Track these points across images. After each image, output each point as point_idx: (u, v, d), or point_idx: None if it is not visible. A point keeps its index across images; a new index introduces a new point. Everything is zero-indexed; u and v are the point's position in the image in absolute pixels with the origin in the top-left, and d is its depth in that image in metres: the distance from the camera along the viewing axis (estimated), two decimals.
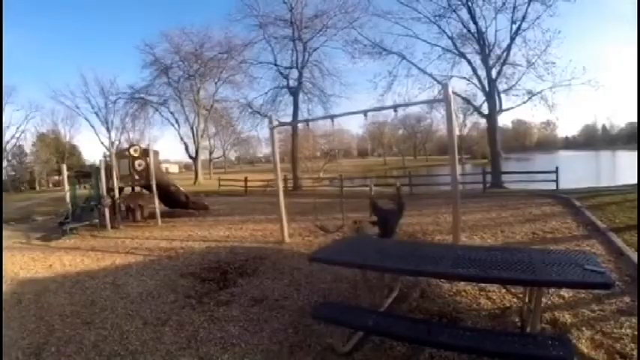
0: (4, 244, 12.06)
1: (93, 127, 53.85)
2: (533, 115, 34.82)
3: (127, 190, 15.01)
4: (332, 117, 8.74)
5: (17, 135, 57.06)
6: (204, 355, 4.00)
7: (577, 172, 32.68)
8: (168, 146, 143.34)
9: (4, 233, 14.52)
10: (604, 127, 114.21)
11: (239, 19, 30.61)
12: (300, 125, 27.64)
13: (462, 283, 4.97)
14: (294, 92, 28.98)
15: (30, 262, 9.22)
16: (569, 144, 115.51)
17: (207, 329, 4.57)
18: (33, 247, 11.21)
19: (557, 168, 16.79)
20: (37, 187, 63.43)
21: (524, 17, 21.67)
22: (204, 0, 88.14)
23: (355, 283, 5.33)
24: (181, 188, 16.20)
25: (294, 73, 29.52)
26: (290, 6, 28.33)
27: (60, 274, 7.90)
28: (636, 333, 3.65)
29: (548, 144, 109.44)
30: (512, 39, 22.19)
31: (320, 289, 5.51)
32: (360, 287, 4.63)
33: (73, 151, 65.19)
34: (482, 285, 4.90)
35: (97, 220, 13.38)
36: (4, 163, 58.13)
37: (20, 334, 5.01)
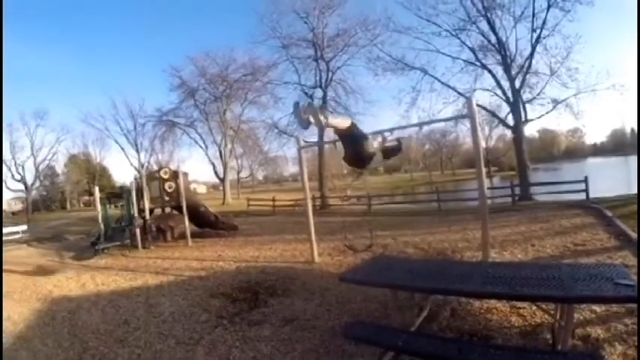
0: (38, 261, 12.40)
1: (122, 149, 55.05)
2: (559, 123, 34.51)
3: (158, 211, 15.27)
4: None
5: (49, 156, 58.63)
6: None
7: (607, 179, 31.96)
8: (196, 167, 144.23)
9: (36, 251, 14.91)
10: (632, 130, 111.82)
11: (262, 41, 31.26)
12: (326, 144, 27.76)
13: (493, 300, 4.93)
14: None
15: (63, 281, 9.52)
16: (598, 150, 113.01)
17: (240, 349, 4.63)
18: (66, 266, 11.55)
19: (586, 177, 16.40)
20: (68, 207, 65.57)
21: (543, 24, 21.82)
22: (228, 23, 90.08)
23: (385, 303, 5.33)
24: (210, 209, 16.39)
25: (319, 92, 29.78)
26: (312, 26, 28.86)
27: (93, 293, 8.11)
28: None
29: (577, 152, 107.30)
30: (534, 47, 22.22)
31: (350, 309, 5.52)
32: (390, 307, 4.65)
33: (103, 173, 66.97)
34: (513, 302, 4.83)
35: (128, 241, 13.64)
36: (37, 184, 59.44)
37: (55, 350, 5.20)
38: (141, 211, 13.97)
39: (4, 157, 52.43)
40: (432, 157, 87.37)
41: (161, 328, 5.65)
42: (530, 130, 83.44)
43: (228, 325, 5.44)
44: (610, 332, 4.01)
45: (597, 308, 4.49)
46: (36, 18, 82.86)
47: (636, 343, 3.73)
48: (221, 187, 49.57)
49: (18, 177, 54.54)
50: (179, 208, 14.40)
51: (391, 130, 8.22)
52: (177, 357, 4.62)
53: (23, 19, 78.73)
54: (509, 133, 31.00)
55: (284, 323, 5.26)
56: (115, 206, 16.90)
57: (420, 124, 8.11)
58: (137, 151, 53.90)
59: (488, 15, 22.80)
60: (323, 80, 29.33)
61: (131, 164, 54.30)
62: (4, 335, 6.02)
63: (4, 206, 66.98)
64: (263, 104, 40.25)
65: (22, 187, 55.51)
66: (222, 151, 46.02)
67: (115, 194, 17.41)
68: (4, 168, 52.75)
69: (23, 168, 55.35)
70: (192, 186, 30.88)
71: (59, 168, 67.62)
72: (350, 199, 25.79)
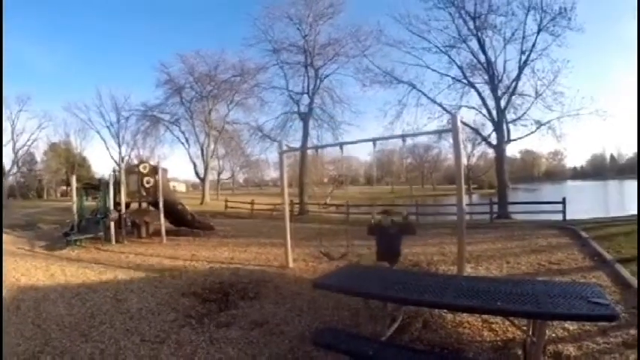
0: (8, 248, 12.14)
1: (104, 140, 54.49)
2: (541, 145, 34.91)
3: (134, 205, 15.06)
4: (341, 144, 8.80)
5: (29, 142, 57.52)
6: None
7: (585, 202, 32.50)
8: (177, 165, 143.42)
9: (9, 238, 14.61)
10: (612, 156, 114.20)
11: (253, 44, 31.24)
12: (309, 151, 27.79)
13: (465, 314, 4.91)
14: (304, 118, 29.35)
15: (32, 270, 9.29)
16: (578, 174, 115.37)
17: (206, 350, 4.54)
18: (36, 255, 11.31)
19: (564, 199, 16.75)
20: (45, 196, 64.30)
21: (532, 47, 21.97)
22: (220, 24, 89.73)
23: (357, 311, 5.28)
24: (188, 208, 16.22)
25: (305, 99, 29.97)
26: (304, 33, 28.96)
27: (61, 284, 7.93)
28: None
29: (557, 174, 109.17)
30: (521, 69, 22.38)
31: (321, 316, 5.46)
32: (362, 315, 4.60)
33: (82, 163, 65.79)
34: (486, 316, 4.82)
35: (102, 234, 13.40)
36: (14, 169, 58.42)
37: (17, 340, 5.05)
38: (117, 204, 13.78)
39: None
40: (414, 171, 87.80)
41: (127, 324, 5.52)
42: (512, 150, 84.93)
43: (196, 325, 5.34)
44: (582, 350, 4.02)
45: (570, 326, 4.51)
46: (24, 4, 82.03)
47: None
48: (200, 187, 49.16)
49: None
50: (156, 205, 14.20)
51: (375, 140, 8.26)
52: (141, 355, 4.50)
53: (11, 3, 77.88)
54: (491, 152, 31.32)
55: (253, 326, 5.18)
56: (93, 198, 16.62)
57: (404, 136, 8.05)
58: (119, 144, 53.43)
59: (479, 34, 22.99)
60: (311, 87, 29.46)
61: (112, 157, 53.82)
62: None
63: None
64: (249, 107, 40.26)
65: None
66: (205, 151, 45.64)
67: (93, 186, 17.08)
68: None
69: (1, 152, 54.07)
70: (172, 184, 30.68)
71: (39, 155, 66.27)
72: (329, 207, 25.76)
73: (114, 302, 6.57)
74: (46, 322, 5.67)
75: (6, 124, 54.05)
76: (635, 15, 20.24)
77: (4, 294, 7.22)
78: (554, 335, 4.36)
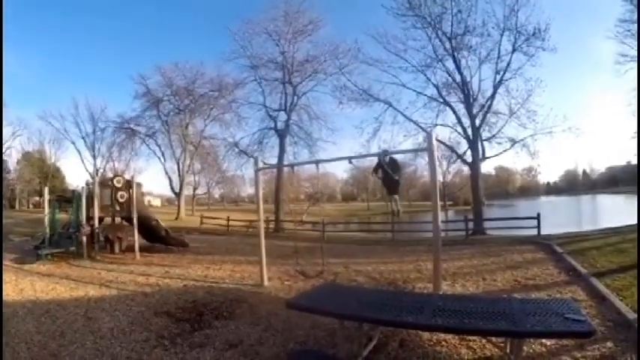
0: None
1: (79, 152, 54.03)
2: (515, 162, 35.38)
3: (108, 220, 14.84)
4: (317, 162, 8.79)
5: (2, 150, 56.03)
6: None
7: (559, 217, 33.03)
8: (153, 179, 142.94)
9: None
10: (584, 172, 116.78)
11: (232, 59, 31.45)
12: (285, 168, 27.76)
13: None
14: (281, 134, 29.43)
15: None
16: (551, 189, 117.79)
17: None
18: (5, 269, 10.95)
19: (538, 214, 17.08)
20: (17, 207, 62.69)
21: (507, 67, 22.77)
22: (199, 37, 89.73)
23: (333, 331, 5.21)
24: (162, 223, 16.01)
25: (283, 116, 30.20)
26: (282, 49, 29.16)
27: (30, 300, 7.73)
28: None
29: (531, 190, 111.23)
30: (496, 88, 23.07)
31: (297, 336, 5.36)
32: (338, 335, 4.54)
33: (56, 174, 64.91)
34: (463, 335, 4.83)
35: (73, 248, 13.15)
36: None
37: None
38: (90, 218, 13.54)
39: None
40: None
41: (98, 344, 5.36)
42: (487, 167, 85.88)
43: (168, 345, 5.21)
44: None
45: (547, 342, 4.50)
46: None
47: None
48: (176, 202, 48.82)
49: None
50: (130, 220, 14.00)
51: (351, 158, 8.34)
52: None
53: None
54: (466, 169, 31.80)
55: (227, 347, 5.07)
56: (65, 211, 16.34)
57: (380, 155, 8.15)
58: (94, 156, 52.87)
59: (455, 54, 23.48)
60: (288, 104, 29.67)
61: (86, 169, 53.09)
62: None
63: None
64: (226, 122, 40.16)
65: None
66: (181, 166, 45.50)
67: (66, 198, 16.81)
68: None
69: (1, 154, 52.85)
70: (147, 198, 30.31)
71: (11, 164, 64.65)
72: (305, 225, 25.71)
73: (85, 320, 6.39)
74: (14, 340, 5.48)
75: None
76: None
77: None
78: (531, 351, 4.34)
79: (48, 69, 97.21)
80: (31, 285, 9.02)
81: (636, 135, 23.86)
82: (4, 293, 6.37)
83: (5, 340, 5.39)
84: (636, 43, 22.24)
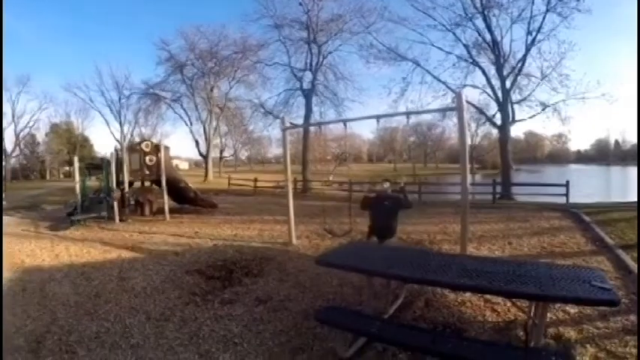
0: (13, 230, 12.20)
1: (106, 120, 54.46)
2: (545, 127, 34.43)
3: (137, 184, 15.08)
4: (344, 121, 8.62)
5: (30, 124, 57.50)
6: (204, 353, 4.01)
7: (588, 186, 32.40)
8: (180, 143, 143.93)
9: (13, 220, 14.69)
10: (617, 142, 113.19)
11: (255, 20, 30.87)
12: (311, 128, 27.66)
13: (468, 294, 4.93)
14: (307, 95, 29.07)
15: (37, 251, 9.28)
16: (581, 157, 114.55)
17: (210, 327, 4.58)
18: (40, 236, 11.30)
19: (567, 182, 16.59)
20: (48, 177, 64.48)
21: (539, 28, 21.62)
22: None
23: (360, 289, 5.30)
24: (191, 185, 16.24)
25: (308, 76, 29.66)
26: (306, 9, 28.51)
27: (66, 264, 7.95)
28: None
29: (560, 157, 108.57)
30: (528, 50, 22.10)
31: (325, 293, 5.50)
32: (365, 293, 4.61)
33: (84, 143, 65.85)
34: (488, 297, 4.85)
35: (105, 213, 13.40)
36: (16, 151, 58.39)
37: (23, 320, 5.07)
38: (120, 183, 13.78)
39: None
40: (417, 150, 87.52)
41: (132, 302, 5.57)
42: (516, 132, 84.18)
43: (200, 302, 5.38)
44: (582, 334, 4.02)
45: (571, 310, 4.51)
46: None
47: (607, 347, 3.74)
48: (203, 165, 49.18)
49: None
50: (159, 183, 14.22)
51: (379, 117, 8.18)
52: (147, 332, 4.54)
53: None
54: (495, 133, 31.18)
55: (257, 303, 5.22)
56: (97, 177, 16.65)
57: (408, 114, 7.97)
58: (120, 123, 53.35)
59: (486, 13, 22.65)
60: (313, 64, 29.19)
61: (113, 136, 53.81)
62: None
63: None
64: (251, 83, 39.99)
65: None
66: (207, 129, 45.69)
67: (95, 165, 17.07)
68: None
69: (2, 135, 53.95)
70: (174, 162, 30.67)
71: (40, 137, 66.21)
72: (332, 184, 25.70)
73: (118, 281, 6.60)
74: (52, 302, 5.71)
75: (6, 107, 54.09)
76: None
77: (9, 275, 7.29)
78: (555, 318, 4.37)
79: (70, 41, 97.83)
80: (65, 250, 9.25)
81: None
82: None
83: (37, 303, 5.58)
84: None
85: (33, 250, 9.41)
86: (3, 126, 45.89)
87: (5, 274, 7.34)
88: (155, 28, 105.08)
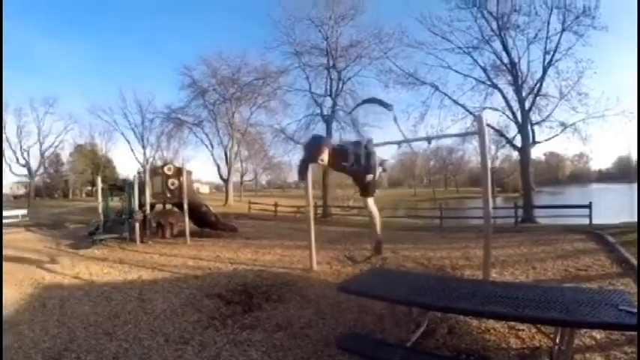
0: (35, 247, 12.39)
1: (129, 142, 55.36)
2: (566, 147, 34.09)
3: (159, 206, 15.23)
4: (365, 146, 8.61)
5: (55, 144, 58.84)
6: None
7: (611, 206, 31.84)
8: (201, 166, 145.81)
9: (35, 236, 14.92)
10: (639, 158, 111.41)
11: (275, 47, 31.30)
12: None
13: (492, 320, 4.82)
14: (327, 120, 29.38)
15: (57, 268, 9.50)
16: (603, 177, 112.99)
17: (230, 352, 4.54)
18: (62, 254, 11.53)
19: (590, 203, 16.27)
20: (71, 196, 66.08)
21: (556, 48, 21.79)
22: (242, 27, 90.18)
23: (381, 316, 5.23)
24: (212, 209, 16.34)
25: (328, 101, 29.94)
26: (325, 35, 28.92)
27: (86, 283, 8.07)
28: None
29: (582, 177, 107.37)
30: (545, 70, 22.19)
31: (345, 320, 5.42)
32: (387, 321, 4.56)
33: (107, 164, 67.52)
34: (512, 323, 4.74)
35: (126, 234, 13.56)
36: (41, 170, 59.69)
37: (41, 337, 5.14)
38: (142, 205, 13.93)
39: (10, 140, 53.19)
40: (437, 174, 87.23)
41: (152, 324, 5.57)
42: (536, 153, 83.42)
43: (219, 326, 5.36)
44: None
45: (597, 335, 4.38)
46: (52, 9, 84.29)
47: None
48: (224, 189, 49.53)
49: (23, 162, 54.37)
50: (180, 206, 14.32)
51: (400, 142, 8.15)
52: (166, 355, 4.54)
53: (38, 9, 79.99)
54: (515, 155, 31.11)
55: (277, 329, 5.17)
56: (120, 199, 16.89)
57: (429, 139, 7.95)
58: (143, 146, 54.09)
59: (502, 35, 22.78)
60: (333, 89, 29.49)
61: (136, 158, 54.64)
62: None
63: (6, 190, 68.02)
64: (272, 109, 40.29)
65: (25, 172, 55.34)
66: (228, 153, 46.07)
67: (118, 187, 17.35)
68: (9, 152, 53.45)
69: (28, 153, 55.16)
70: (196, 185, 30.94)
71: (64, 156, 68.70)
72: (352, 210, 25.66)
73: (138, 302, 6.64)
74: (71, 320, 5.76)
75: (32, 126, 55.65)
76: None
77: (30, 291, 7.41)
78: (581, 344, 4.23)
79: (95, 65, 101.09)
80: (86, 269, 9.38)
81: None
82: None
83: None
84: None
85: (53, 267, 9.62)
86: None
87: (26, 290, 7.53)
88: (177, 54, 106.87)
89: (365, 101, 6.68)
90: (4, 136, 51.03)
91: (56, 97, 57.88)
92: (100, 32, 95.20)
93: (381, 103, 7.01)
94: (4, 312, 6.24)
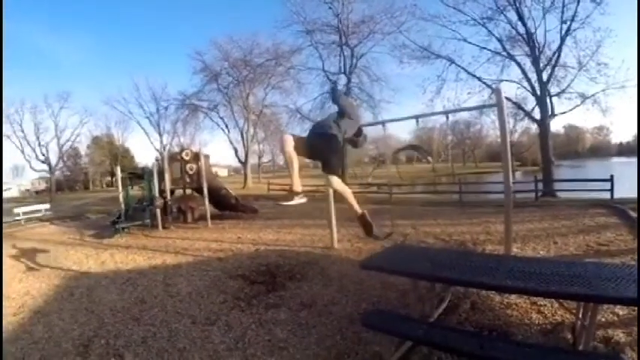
0: (59, 239, 12.62)
1: (145, 131, 55.75)
2: (586, 119, 33.27)
3: (179, 192, 15.37)
4: (383, 122, 8.51)
5: (73, 138, 59.44)
6: (250, 357, 4.07)
7: (633, 180, 31.31)
8: (218, 150, 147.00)
9: (59, 229, 15.18)
10: None
11: (286, 26, 31.39)
12: None
13: (514, 295, 4.85)
14: None
15: (83, 258, 9.68)
16: (624, 150, 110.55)
17: (255, 331, 4.64)
18: (86, 244, 11.74)
19: (611, 176, 16.08)
20: (91, 187, 67.69)
21: (573, 16, 20.96)
22: (252, 7, 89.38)
23: (404, 292, 5.28)
24: (231, 191, 16.48)
25: (343, 79, 29.71)
26: (336, 12, 28.62)
27: (111, 271, 8.24)
28: None
29: (602, 150, 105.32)
30: (563, 39, 21.46)
31: (368, 297, 5.49)
32: (410, 296, 4.59)
33: (125, 154, 68.61)
34: (535, 298, 4.75)
35: (148, 221, 13.75)
36: (60, 164, 60.75)
37: (71, 325, 5.30)
38: (162, 191, 14.08)
39: (28, 138, 54.17)
40: (455, 149, 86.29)
41: (177, 307, 5.70)
42: (555, 126, 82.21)
43: (244, 307, 5.46)
44: (632, 336, 3.88)
45: (620, 311, 4.36)
46: (58, 4, 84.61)
47: None
48: (242, 171, 49.74)
49: (42, 158, 55.07)
50: (200, 190, 14.48)
51: (418, 117, 8.06)
52: (193, 336, 4.65)
53: (43, 6, 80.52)
54: (533, 128, 30.60)
55: (301, 308, 5.26)
56: (140, 187, 17.08)
57: (447, 112, 7.88)
58: (159, 133, 54.49)
59: (517, 4, 22.22)
60: (347, 67, 29.31)
61: (153, 146, 55.09)
62: (21, 308, 6.20)
63: (28, 185, 69.65)
64: (286, 89, 40.30)
65: (45, 167, 56.11)
66: (245, 135, 46.26)
67: (137, 175, 17.47)
68: (29, 149, 54.38)
69: (47, 149, 55.94)
70: (214, 169, 31.15)
71: (82, 149, 69.93)
72: (371, 187, 25.63)
73: (164, 286, 6.77)
74: (99, 308, 5.92)
75: (49, 122, 56.39)
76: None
77: (57, 282, 7.59)
78: (603, 320, 4.23)
79: (106, 57, 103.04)
80: (111, 257, 9.59)
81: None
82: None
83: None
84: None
85: (79, 257, 9.80)
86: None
87: (53, 281, 7.72)
88: (188, 39, 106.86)
89: (408, 147, 6.65)
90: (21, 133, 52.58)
91: (70, 92, 58.96)
92: (106, 24, 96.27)
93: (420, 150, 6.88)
94: (34, 302, 6.46)
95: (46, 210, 22.87)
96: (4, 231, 15.15)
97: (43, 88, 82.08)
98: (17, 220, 20.32)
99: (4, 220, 21.39)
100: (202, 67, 43.32)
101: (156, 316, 5.41)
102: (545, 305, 4.67)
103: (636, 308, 4.19)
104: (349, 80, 29.13)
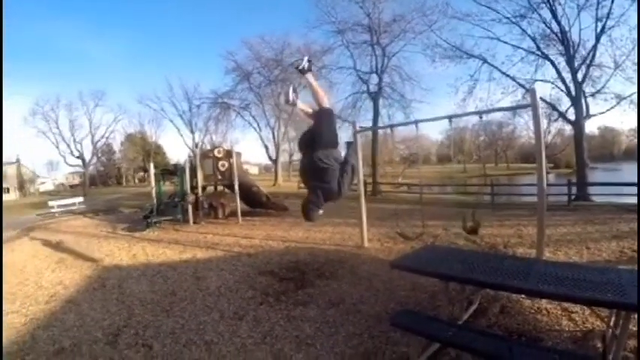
0: (92, 231, 12.92)
1: (177, 128, 56.52)
2: (622, 121, 32.31)
3: (210, 188, 15.58)
4: (416, 122, 8.44)
5: (107, 135, 61.52)
6: (277, 352, 4.13)
7: None
8: (249, 148, 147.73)
9: (92, 222, 15.53)
10: None
11: (317, 26, 31.00)
12: (380, 130, 27.51)
13: (544, 301, 4.79)
14: (374, 97, 28.84)
15: (115, 250, 9.93)
16: None
17: (283, 327, 4.70)
18: (118, 237, 12.01)
19: None
20: (124, 183, 69.00)
21: (608, 14, 20.00)
22: (283, 8, 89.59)
23: (433, 293, 5.27)
24: (262, 189, 16.61)
25: (374, 78, 29.35)
26: (367, 11, 28.17)
27: (143, 263, 8.45)
28: None
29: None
30: (598, 38, 20.54)
31: (397, 297, 5.48)
32: (439, 297, 4.58)
33: (158, 151, 70.16)
34: (566, 304, 4.68)
35: (180, 216, 14.01)
36: (94, 160, 62.58)
37: (102, 315, 5.46)
38: (194, 188, 14.28)
39: (63, 134, 56.14)
40: (486, 150, 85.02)
41: (207, 301, 5.81)
42: (590, 127, 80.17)
43: (273, 302, 5.52)
44: None
45: None
46: (95, 2, 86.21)
47: None
48: (273, 169, 50.01)
49: (76, 153, 56.84)
50: (231, 187, 14.65)
51: (451, 117, 7.97)
52: (221, 330, 4.74)
53: (82, 3, 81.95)
54: (567, 129, 29.67)
55: (329, 306, 5.29)
56: (172, 183, 17.34)
57: (480, 113, 7.77)
58: (192, 131, 54.97)
59: (551, 2, 21.66)
60: (379, 66, 28.90)
61: (185, 143, 55.65)
62: (53, 297, 6.41)
63: (61, 180, 71.57)
64: None
65: (80, 162, 57.86)
66: (276, 134, 46.52)
67: (169, 171, 17.76)
68: (64, 145, 56.46)
69: (81, 145, 57.72)
70: (245, 166, 31.40)
71: (116, 146, 72.23)
72: (401, 187, 25.46)
73: (194, 280, 6.91)
74: (130, 299, 6.09)
75: (83, 119, 58.49)
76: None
77: (89, 273, 7.80)
78: (634, 329, 4.13)
79: (140, 57, 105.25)
80: (142, 250, 9.81)
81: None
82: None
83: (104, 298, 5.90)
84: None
85: (112, 249, 10.04)
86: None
87: (85, 272, 7.94)
88: (220, 39, 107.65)
89: None
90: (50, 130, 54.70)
91: (104, 90, 60.83)
92: (141, 25, 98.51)
93: None
94: (66, 292, 6.68)
95: (80, 203, 23.46)
96: (41, 223, 15.57)
97: (78, 86, 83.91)
98: (52, 212, 20.89)
99: (39, 212, 22.11)
100: (234, 67, 43.50)
101: (185, 308, 5.52)
102: (576, 312, 4.59)
103: None
104: (381, 79, 28.80)
